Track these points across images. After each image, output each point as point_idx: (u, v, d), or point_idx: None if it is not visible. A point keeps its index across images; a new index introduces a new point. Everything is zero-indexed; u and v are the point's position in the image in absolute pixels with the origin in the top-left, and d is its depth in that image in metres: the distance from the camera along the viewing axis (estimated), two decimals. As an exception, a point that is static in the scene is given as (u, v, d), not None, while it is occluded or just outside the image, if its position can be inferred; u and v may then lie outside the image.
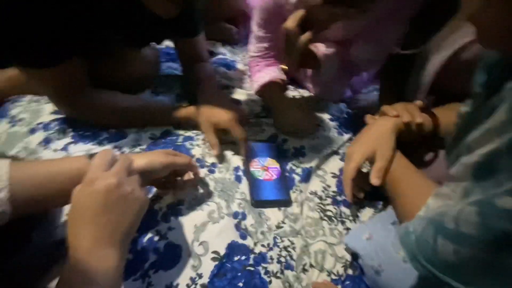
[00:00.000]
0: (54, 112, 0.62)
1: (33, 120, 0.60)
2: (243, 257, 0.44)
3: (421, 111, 0.51)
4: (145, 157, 0.41)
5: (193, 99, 0.72)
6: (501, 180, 0.23)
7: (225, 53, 1.05)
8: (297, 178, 0.59)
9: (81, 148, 0.55)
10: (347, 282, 0.46)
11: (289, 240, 0.49)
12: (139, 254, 0.41)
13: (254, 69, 0.79)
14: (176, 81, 0.80)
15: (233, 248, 0.45)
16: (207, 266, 0.42)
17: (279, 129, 0.69)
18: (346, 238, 0.49)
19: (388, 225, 0.45)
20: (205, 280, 0.41)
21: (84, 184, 0.31)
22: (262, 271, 0.44)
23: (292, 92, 0.84)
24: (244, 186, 0.55)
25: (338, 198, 0.57)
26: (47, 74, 0.50)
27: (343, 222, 0.53)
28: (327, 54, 0.67)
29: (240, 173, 0.58)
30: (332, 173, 0.62)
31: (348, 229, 0.52)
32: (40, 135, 0.57)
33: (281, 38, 0.62)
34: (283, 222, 0.51)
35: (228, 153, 0.60)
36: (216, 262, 0.42)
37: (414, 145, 0.52)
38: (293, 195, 0.56)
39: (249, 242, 0.46)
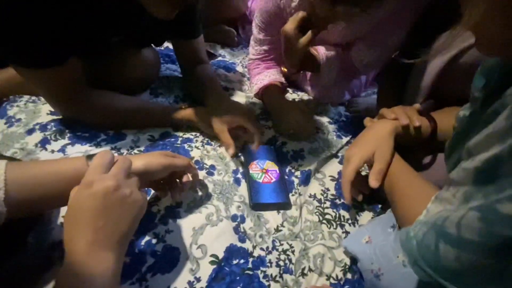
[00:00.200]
0: (52, 113, 0.62)
1: (30, 120, 0.60)
2: (242, 261, 0.44)
3: (420, 115, 0.51)
4: (143, 159, 0.40)
5: (194, 101, 0.72)
6: (503, 186, 0.23)
7: (224, 55, 1.05)
8: (296, 181, 0.59)
9: (79, 150, 0.55)
10: (346, 286, 0.45)
11: (288, 243, 0.48)
12: (137, 257, 0.41)
13: (254, 72, 0.79)
14: (175, 82, 0.80)
15: (231, 251, 0.44)
16: (205, 270, 0.41)
17: (278, 132, 0.69)
18: (345, 241, 0.49)
19: (387, 228, 0.45)
20: (203, 284, 0.40)
21: (82, 186, 0.31)
22: (261, 275, 0.43)
23: (291, 95, 0.84)
24: (243, 188, 0.55)
25: (337, 201, 0.57)
26: (45, 74, 0.49)
27: (342, 226, 0.53)
28: (328, 57, 0.68)
29: (239, 175, 0.57)
30: (331, 176, 0.62)
31: (347, 232, 0.52)
32: (37, 136, 0.56)
33: (281, 41, 0.62)
34: (282, 225, 0.51)
35: (227, 155, 0.60)
36: (215, 266, 0.42)
37: (412, 148, 0.52)
38: (292, 198, 0.55)
39: (247, 245, 0.46)
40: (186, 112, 0.62)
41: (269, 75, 0.76)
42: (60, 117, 0.60)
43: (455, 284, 0.27)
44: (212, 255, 0.43)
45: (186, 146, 0.59)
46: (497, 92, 0.29)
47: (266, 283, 0.43)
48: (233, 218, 0.49)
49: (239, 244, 0.45)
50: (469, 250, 0.25)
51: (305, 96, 0.85)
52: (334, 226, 0.53)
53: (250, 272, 0.43)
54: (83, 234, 0.29)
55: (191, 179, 0.48)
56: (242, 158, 0.61)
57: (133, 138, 0.59)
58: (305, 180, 0.59)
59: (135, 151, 0.57)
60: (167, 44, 0.95)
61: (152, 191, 0.49)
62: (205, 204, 0.49)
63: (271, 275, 0.44)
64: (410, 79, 0.62)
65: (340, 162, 0.65)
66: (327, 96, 0.81)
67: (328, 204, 0.56)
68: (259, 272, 0.43)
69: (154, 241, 0.43)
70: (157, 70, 0.78)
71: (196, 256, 0.43)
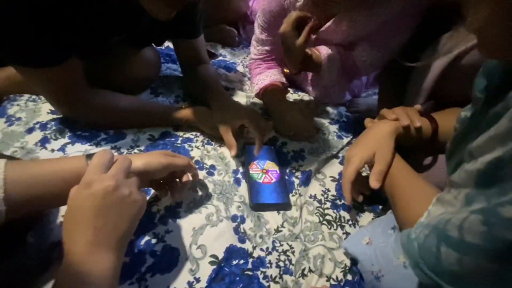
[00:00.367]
0: (52, 112, 0.61)
1: (30, 119, 0.60)
2: (242, 261, 0.44)
3: (421, 115, 0.51)
4: (143, 158, 0.40)
5: (194, 101, 0.71)
6: (505, 189, 0.23)
7: (225, 55, 1.05)
8: (296, 181, 0.59)
9: (79, 149, 0.55)
10: (346, 288, 0.45)
11: (288, 244, 0.48)
12: (136, 257, 0.41)
13: (255, 72, 0.79)
14: (176, 82, 0.80)
15: (231, 252, 0.44)
16: (205, 270, 0.41)
17: (279, 132, 0.69)
18: (345, 242, 0.49)
19: (388, 229, 0.44)
20: (202, 284, 0.40)
21: (82, 186, 0.31)
22: (261, 276, 0.43)
23: (292, 95, 0.84)
24: (243, 189, 0.55)
25: (338, 202, 0.57)
26: (45, 74, 0.49)
27: (342, 227, 0.53)
28: (329, 57, 0.67)
29: (239, 175, 0.57)
30: (331, 177, 0.61)
31: (347, 233, 0.52)
32: (37, 135, 0.56)
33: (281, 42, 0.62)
34: (282, 226, 0.51)
35: (228, 155, 0.60)
36: (214, 266, 0.42)
37: (413, 149, 0.52)
38: (293, 199, 0.55)
39: (247, 246, 0.46)
40: (187, 112, 0.62)
41: (270, 75, 0.76)
42: (60, 116, 0.60)
43: (457, 287, 0.27)
44: (212, 256, 0.43)
45: (186, 145, 0.59)
46: (498, 94, 0.29)
47: (266, 284, 0.42)
48: (233, 218, 0.49)
49: (239, 245, 0.45)
50: (471, 253, 0.25)
51: (305, 97, 0.84)
52: (335, 227, 0.53)
53: (250, 273, 0.43)
54: (82, 234, 0.29)
55: (191, 179, 0.48)
56: (242, 158, 0.61)
57: (133, 138, 0.59)
58: (306, 181, 0.59)
59: (135, 150, 0.57)
60: (168, 44, 0.95)
61: (152, 191, 0.49)
62: (205, 204, 0.49)
63: (271, 275, 0.44)
64: (411, 80, 0.62)
65: (341, 163, 0.65)
66: (327, 97, 0.81)
67: (328, 204, 0.56)
68: (259, 272, 0.43)
69: (153, 241, 0.43)
70: (157, 69, 0.78)
71: (196, 256, 0.43)
